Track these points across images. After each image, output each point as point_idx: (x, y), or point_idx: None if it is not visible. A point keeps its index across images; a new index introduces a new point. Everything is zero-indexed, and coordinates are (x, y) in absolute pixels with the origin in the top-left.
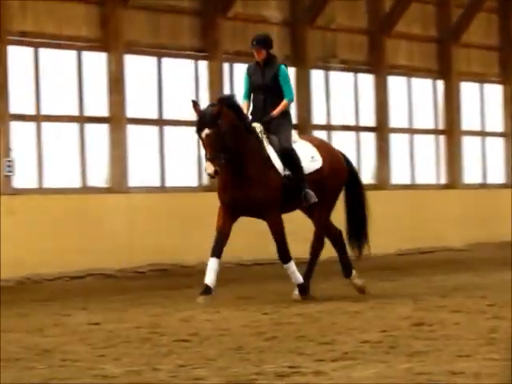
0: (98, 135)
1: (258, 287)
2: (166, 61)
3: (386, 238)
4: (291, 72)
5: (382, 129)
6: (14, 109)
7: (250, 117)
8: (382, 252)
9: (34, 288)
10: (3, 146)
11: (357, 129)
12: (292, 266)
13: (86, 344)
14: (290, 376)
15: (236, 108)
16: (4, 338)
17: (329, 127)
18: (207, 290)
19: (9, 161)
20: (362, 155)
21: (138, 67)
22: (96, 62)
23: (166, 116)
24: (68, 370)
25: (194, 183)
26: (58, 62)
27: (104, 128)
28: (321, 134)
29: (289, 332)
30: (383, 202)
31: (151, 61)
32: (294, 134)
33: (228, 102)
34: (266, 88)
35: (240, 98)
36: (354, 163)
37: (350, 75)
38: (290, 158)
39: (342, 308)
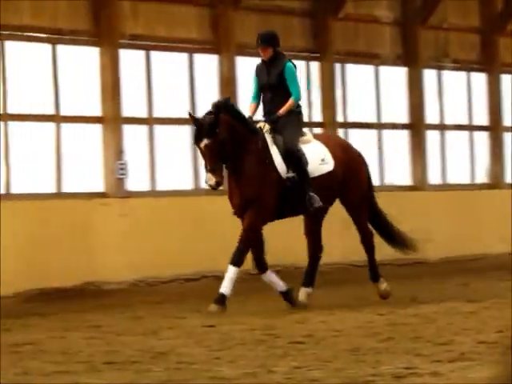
0: None
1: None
2: None
3: (499, 238)
4: (402, 72)
5: (495, 128)
6: (126, 112)
7: (255, 117)
8: (496, 252)
9: (148, 290)
10: (116, 148)
11: (470, 128)
12: (233, 272)
13: (201, 346)
14: (407, 377)
15: (233, 112)
16: (119, 340)
17: (442, 127)
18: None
19: (121, 163)
20: (475, 155)
21: (249, 69)
22: (207, 64)
23: None
24: (184, 373)
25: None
26: (170, 64)
27: None
28: (434, 134)
29: (405, 333)
30: (497, 200)
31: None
32: (309, 133)
33: (225, 108)
34: (272, 87)
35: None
36: (467, 163)
37: (462, 74)
38: (294, 159)
39: (457, 308)
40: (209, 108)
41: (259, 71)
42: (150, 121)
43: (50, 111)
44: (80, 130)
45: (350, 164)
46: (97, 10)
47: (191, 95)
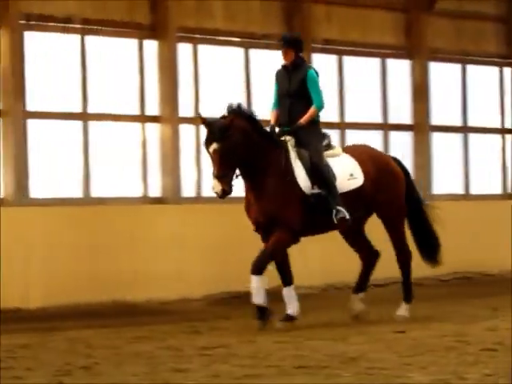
0: (402, 143)
1: None
2: (470, 68)
3: None
4: None
5: None
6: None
7: (277, 128)
8: None
9: (337, 295)
10: None
11: None
12: (257, 281)
13: (391, 352)
14: None
15: (251, 119)
16: (309, 345)
17: None
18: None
19: None
20: None
21: (442, 74)
22: (400, 69)
23: (471, 123)
24: (374, 378)
25: (499, 191)
26: (362, 69)
27: (408, 136)
28: None
29: None
30: None
31: (455, 68)
32: (338, 147)
33: (240, 113)
34: (293, 94)
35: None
36: None
37: None
38: (320, 174)
39: None
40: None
41: (280, 77)
42: (341, 125)
43: None
44: None
45: (382, 177)
46: (290, 14)
47: (383, 100)
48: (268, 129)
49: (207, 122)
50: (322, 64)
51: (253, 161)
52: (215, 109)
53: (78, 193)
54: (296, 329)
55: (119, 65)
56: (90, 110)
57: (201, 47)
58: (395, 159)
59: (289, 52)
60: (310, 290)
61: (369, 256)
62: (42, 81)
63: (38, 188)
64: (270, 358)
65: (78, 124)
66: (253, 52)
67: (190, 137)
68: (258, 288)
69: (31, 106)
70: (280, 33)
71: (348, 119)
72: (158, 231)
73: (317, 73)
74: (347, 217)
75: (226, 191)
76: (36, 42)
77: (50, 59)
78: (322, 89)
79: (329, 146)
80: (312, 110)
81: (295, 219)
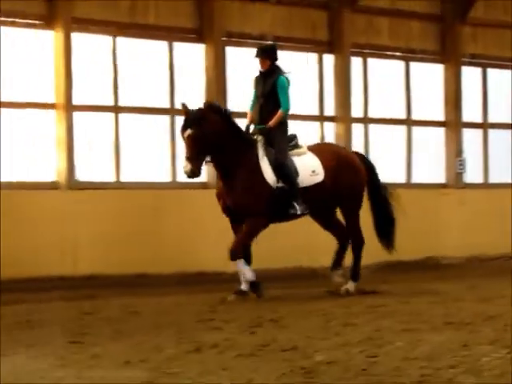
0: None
1: None
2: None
3: None
4: None
5: None
6: (465, 117)
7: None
8: None
9: (479, 266)
10: (455, 148)
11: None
12: (240, 263)
13: None
14: None
15: (224, 115)
16: (456, 305)
17: None
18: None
19: (460, 160)
20: None
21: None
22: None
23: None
24: (510, 334)
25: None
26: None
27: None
28: None
29: None
30: None
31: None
32: (304, 146)
33: (214, 108)
34: (265, 96)
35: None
36: None
37: None
38: (283, 171)
39: None
40: None
41: (256, 82)
42: (485, 125)
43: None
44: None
45: (343, 172)
46: (444, 33)
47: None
48: (244, 127)
49: (186, 111)
50: (469, 76)
51: (223, 152)
52: (381, 111)
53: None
54: (444, 292)
55: (301, 75)
56: None
57: (370, 61)
58: (358, 154)
59: (264, 60)
60: (456, 260)
61: (341, 237)
62: (241, 89)
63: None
64: (423, 315)
65: None
66: (413, 65)
67: (360, 134)
68: (243, 269)
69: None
70: (434, 49)
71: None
72: None
73: (288, 80)
74: (298, 212)
75: (194, 172)
76: (235, 56)
77: (246, 71)
78: (290, 94)
79: (295, 146)
80: (279, 112)
81: (263, 208)
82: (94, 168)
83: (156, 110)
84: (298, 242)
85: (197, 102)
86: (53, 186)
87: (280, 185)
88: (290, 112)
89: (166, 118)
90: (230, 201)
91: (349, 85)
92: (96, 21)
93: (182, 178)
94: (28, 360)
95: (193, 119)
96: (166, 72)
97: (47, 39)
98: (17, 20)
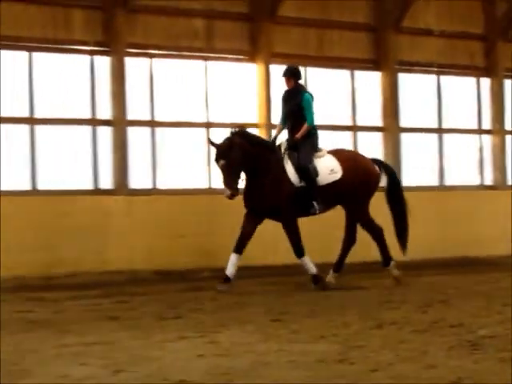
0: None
1: None
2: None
3: None
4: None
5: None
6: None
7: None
8: None
9: None
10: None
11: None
12: (306, 259)
13: None
14: None
15: (247, 137)
16: None
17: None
18: (227, 280)
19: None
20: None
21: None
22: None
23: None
24: None
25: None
26: None
27: None
28: None
29: None
30: None
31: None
32: (324, 149)
33: (240, 134)
34: (292, 114)
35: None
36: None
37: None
38: (304, 173)
39: None
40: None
41: (284, 99)
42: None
43: None
44: None
45: (358, 172)
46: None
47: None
48: (272, 138)
49: (214, 145)
50: None
51: (253, 165)
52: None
53: None
54: None
55: (457, 99)
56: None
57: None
58: (376, 161)
59: (289, 80)
60: None
61: (347, 241)
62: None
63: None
64: None
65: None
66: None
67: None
68: (308, 262)
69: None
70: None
71: None
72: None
73: (312, 96)
74: (317, 212)
75: (233, 195)
76: (406, 81)
77: (416, 93)
78: (314, 109)
79: (317, 150)
80: (305, 126)
81: (291, 207)
82: None
83: (338, 127)
84: (464, 233)
85: (373, 119)
86: None
87: (302, 184)
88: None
89: (348, 134)
90: (260, 201)
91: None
92: (291, 55)
93: None
94: (241, 334)
95: (223, 151)
96: (349, 97)
97: (250, 71)
98: (225, 56)
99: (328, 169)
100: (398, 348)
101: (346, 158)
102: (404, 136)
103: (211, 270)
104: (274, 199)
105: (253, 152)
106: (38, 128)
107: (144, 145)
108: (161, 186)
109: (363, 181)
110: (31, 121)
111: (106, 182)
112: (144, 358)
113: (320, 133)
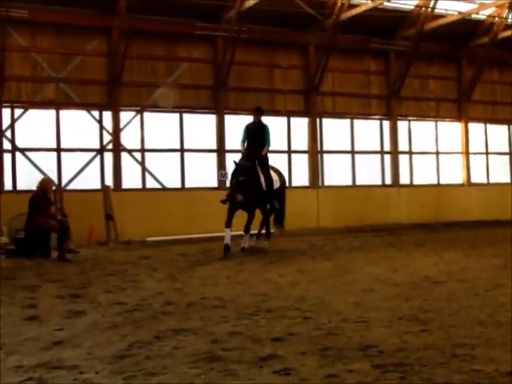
0: None
1: None
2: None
3: None
4: None
5: None
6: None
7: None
8: None
9: None
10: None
11: None
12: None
13: None
14: None
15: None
16: None
17: None
18: (227, 248)
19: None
20: None
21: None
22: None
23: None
24: None
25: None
26: None
27: None
28: None
29: None
30: None
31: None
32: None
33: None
34: (257, 138)
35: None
36: None
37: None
38: (269, 182)
39: None
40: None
41: (249, 128)
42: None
43: None
44: None
45: (283, 181)
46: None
47: None
48: (245, 155)
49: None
50: None
51: (249, 176)
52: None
53: None
54: None
55: (365, 134)
56: None
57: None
58: (274, 168)
59: (257, 115)
60: None
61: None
62: None
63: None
64: None
65: None
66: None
67: None
68: (248, 238)
69: None
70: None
71: None
72: None
73: (268, 128)
74: (277, 207)
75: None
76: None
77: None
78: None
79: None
80: (265, 148)
81: (259, 201)
82: None
83: (278, 151)
84: None
85: (303, 145)
86: None
87: (267, 189)
88: None
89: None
90: (243, 195)
91: None
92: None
93: None
94: (455, 254)
95: (245, 170)
96: (285, 133)
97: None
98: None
99: (275, 179)
100: None
101: (277, 171)
102: (325, 156)
103: None
104: (253, 196)
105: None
106: None
107: None
108: None
109: (284, 185)
110: None
111: None
112: (407, 265)
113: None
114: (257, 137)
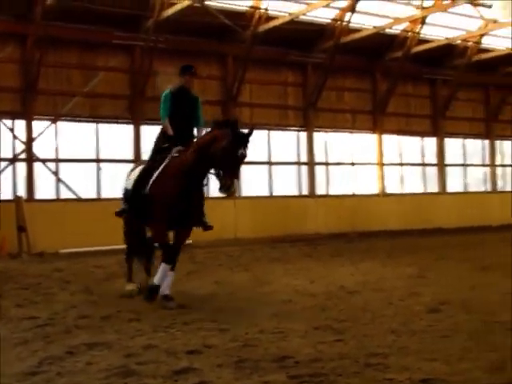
0: None
1: None
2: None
3: None
4: None
5: None
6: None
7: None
8: None
9: None
10: None
11: None
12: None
13: None
14: None
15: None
16: None
17: None
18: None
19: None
20: None
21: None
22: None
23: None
24: None
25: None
26: None
27: None
28: None
29: None
30: None
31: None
32: None
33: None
34: (189, 113)
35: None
36: None
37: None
38: None
39: None
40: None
41: (177, 95)
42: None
43: None
44: None
45: None
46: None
47: None
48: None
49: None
50: None
51: None
52: None
53: None
54: None
55: (283, 145)
56: None
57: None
58: None
59: (190, 77)
60: None
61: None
62: None
63: None
64: None
65: None
66: None
67: None
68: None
69: None
70: None
71: None
72: None
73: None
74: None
75: None
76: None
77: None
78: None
79: None
80: (201, 129)
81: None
82: None
83: None
84: None
85: None
86: None
87: None
88: None
89: None
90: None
91: None
92: None
93: None
94: (371, 264)
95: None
96: None
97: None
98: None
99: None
100: None
101: None
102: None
103: None
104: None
105: None
106: None
107: None
108: None
109: None
110: None
111: None
112: (324, 275)
113: None
114: (190, 110)
